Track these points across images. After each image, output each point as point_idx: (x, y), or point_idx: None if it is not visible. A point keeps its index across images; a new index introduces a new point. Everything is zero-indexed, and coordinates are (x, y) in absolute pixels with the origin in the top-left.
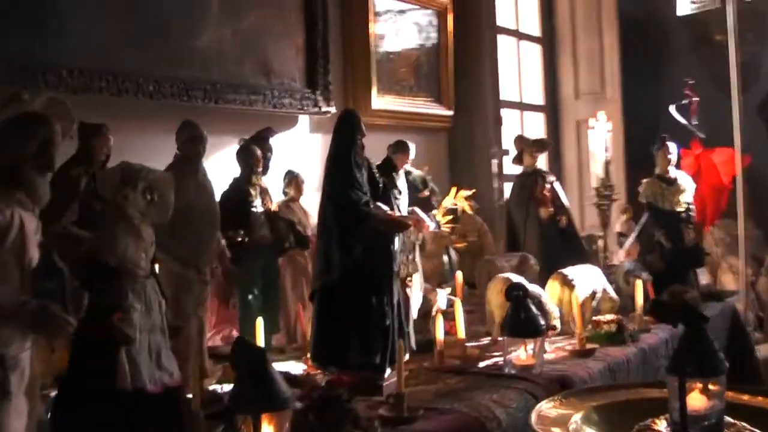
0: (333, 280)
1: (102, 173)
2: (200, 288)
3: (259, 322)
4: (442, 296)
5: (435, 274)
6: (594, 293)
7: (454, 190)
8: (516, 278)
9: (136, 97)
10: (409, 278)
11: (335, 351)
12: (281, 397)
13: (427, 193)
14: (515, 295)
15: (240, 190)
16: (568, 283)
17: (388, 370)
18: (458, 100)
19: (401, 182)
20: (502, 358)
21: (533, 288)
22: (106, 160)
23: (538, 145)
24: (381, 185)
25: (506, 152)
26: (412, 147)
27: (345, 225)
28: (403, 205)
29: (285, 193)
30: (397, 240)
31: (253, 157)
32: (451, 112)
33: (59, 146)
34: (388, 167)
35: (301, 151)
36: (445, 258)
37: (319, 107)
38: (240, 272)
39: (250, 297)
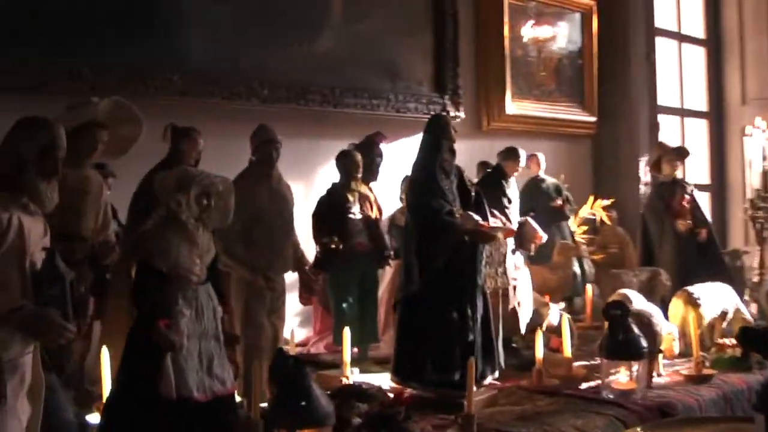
0: (413, 292)
1: (158, 177)
2: (272, 296)
3: (346, 332)
4: (554, 311)
5: (561, 287)
6: (725, 313)
7: (591, 199)
8: (634, 295)
9: (248, 100)
10: (502, 291)
11: (414, 366)
12: (318, 413)
13: (559, 202)
14: (612, 314)
15: (337, 196)
16: (692, 302)
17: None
18: (602, 106)
19: (512, 190)
20: None
21: (645, 307)
22: (195, 164)
23: (678, 153)
24: (474, 193)
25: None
26: (523, 154)
27: (426, 234)
28: (513, 213)
29: (401, 200)
30: (484, 251)
31: (352, 163)
32: (594, 118)
33: (63, 150)
34: (498, 175)
35: None
36: (577, 269)
37: (447, 112)
38: (317, 280)
39: (344, 305)
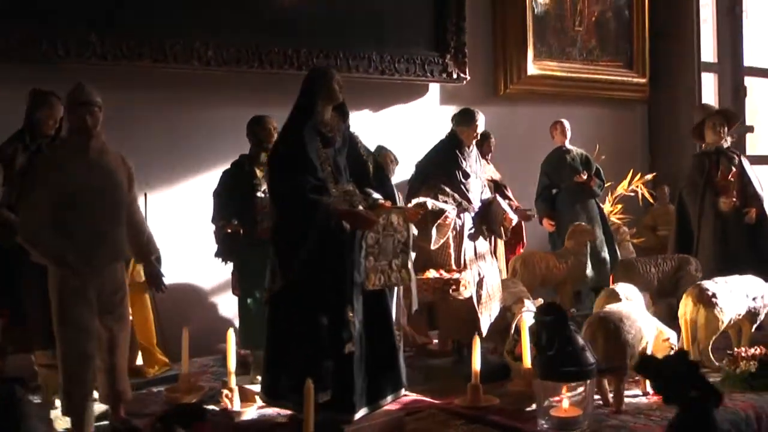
0: (277, 291)
1: None
2: (101, 292)
3: (230, 334)
4: (529, 309)
5: (571, 278)
6: (754, 315)
7: (630, 173)
8: (631, 291)
9: (188, 63)
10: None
11: (283, 383)
12: None
13: (584, 176)
14: (540, 321)
15: (243, 171)
16: (705, 300)
17: (362, 411)
18: (658, 66)
19: (471, 162)
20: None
21: (623, 307)
22: (56, 133)
23: (724, 117)
24: (372, 166)
25: (750, 129)
26: (481, 119)
27: (286, 219)
28: (474, 190)
29: None
30: (365, 239)
31: (264, 130)
32: (644, 80)
33: None
34: (452, 143)
35: (427, 124)
36: (606, 255)
37: (449, 74)
38: (160, 276)
39: (249, 301)
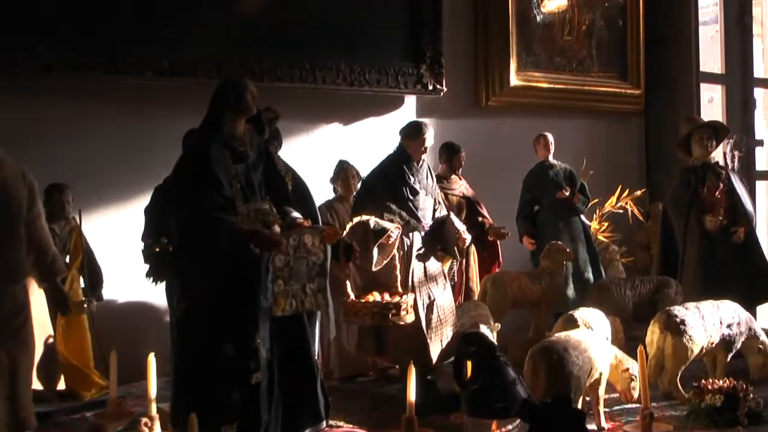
0: (181, 316)
1: None
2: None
3: (151, 359)
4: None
5: (546, 299)
6: (729, 344)
7: (618, 190)
8: (594, 316)
9: (141, 75)
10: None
11: (187, 416)
12: None
13: (566, 192)
14: (463, 351)
15: None
16: (673, 327)
17: None
18: (653, 77)
19: (421, 178)
20: None
21: (574, 335)
22: None
23: (713, 130)
24: (288, 182)
25: (760, 143)
26: (430, 133)
27: (186, 239)
28: (425, 207)
29: (334, 191)
30: (273, 262)
31: None
32: (638, 91)
33: None
34: (400, 158)
35: None
36: (590, 275)
37: (425, 85)
38: (65, 299)
39: None
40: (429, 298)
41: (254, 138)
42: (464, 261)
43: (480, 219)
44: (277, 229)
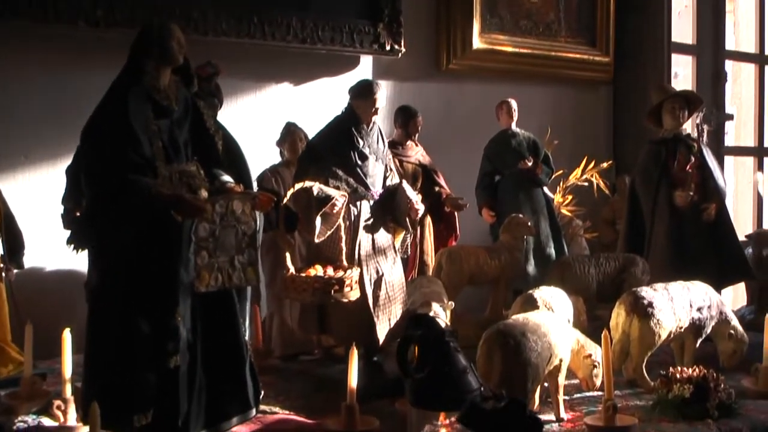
0: (95, 289)
1: None
2: None
3: (66, 335)
4: (439, 314)
5: (504, 275)
6: (698, 328)
7: (584, 161)
8: (555, 296)
9: (73, 24)
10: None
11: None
12: None
13: (529, 162)
14: (409, 335)
15: None
16: (639, 310)
17: None
18: (625, 44)
19: (372, 141)
20: None
21: (532, 318)
22: None
23: (685, 100)
24: (217, 142)
25: (730, 117)
26: (381, 93)
27: (96, 202)
28: (375, 174)
29: (281, 154)
30: (196, 231)
31: None
32: (607, 59)
33: None
34: (348, 121)
35: None
36: (552, 251)
37: (382, 45)
38: None
39: None
40: (377, 273)
41: (181, 91)
42: (419, 233)
43: (436, 188)
44: (204, 194)
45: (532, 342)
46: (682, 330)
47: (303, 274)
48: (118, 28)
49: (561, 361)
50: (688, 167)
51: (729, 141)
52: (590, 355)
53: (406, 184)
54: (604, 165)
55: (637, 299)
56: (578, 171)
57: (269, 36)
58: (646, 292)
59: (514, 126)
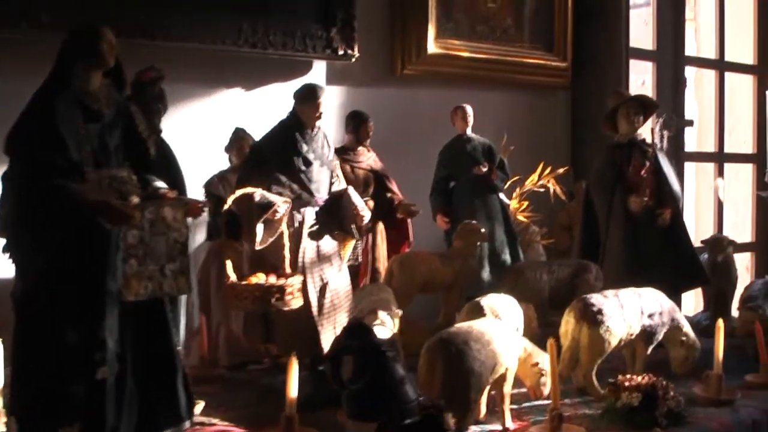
0: (20, 298)
1: None
2: None
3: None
4: (383, 321)
5: (457, 283)
6: (650, 335)
7: (540, 167)
8: (504, 304)
9: (16, 27)
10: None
11: (24, 412)
12: None
13: (484, 168)
14: (344, 346)
15: None
16: (590, 317)
17: None
18: (582, 49)
19: (317, 146)
20: None
21: (477, 326)
22: None
23: (640, 105)
24: (150, 147)
25: (689, 123)
26: (324, 96)
27: (19, 208)
28: (320, 179)
29: (229, 160)
30: (123, 238)
31: None
32: (564, 64)
33: None
34: (291, 125)
35: None
36: (507, 257)
37: (335, 50)
38: None
39: None
40: (321, 280)
41: (112, 95)
42: (370, 240)
43: (389, 195)
44: (135, 200)
45: (474, 351)
46: (633, 337)
47: (244, 282)
48: (63, 33)
49: (507, 369)
50: (643, 172)
51: (690, 147)
52: (537, 363)
53: (352, 190)
54: (561, 171)
55: (586, 306)
56: (534, 177)
57: (219, 41)
58: (596, 299)
59: (469, 131)
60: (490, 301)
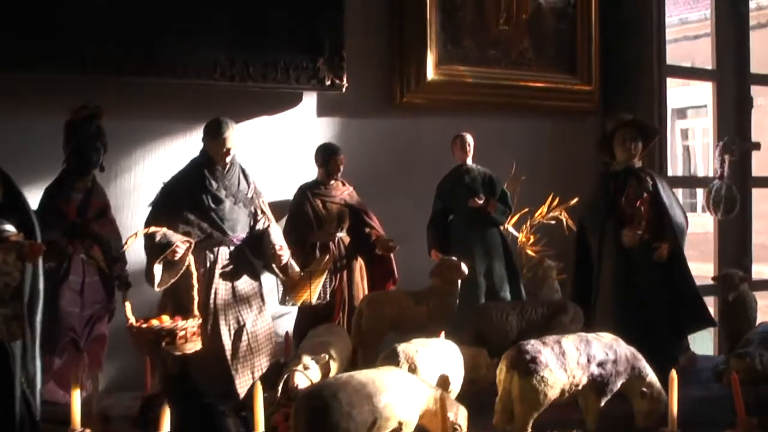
0: None
1: None
2: None
3: None
4: (308, 367)
5: (434, 324)
6: (602, 385)
7: (549, 198)
8: (419, 349)
9: None
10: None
11: None
12: None
13: (479, 200)
14: (153, 396)
15: None
16: (522, 366)
17: None
18: (612, 70)
19: (230, 183)
20: None
21: (363, 376)
22: None
23: (637, 130)
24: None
25: (756, 146)
26: (230, 131)
27: None
28: (233, 217)
29: None
30: None
31: None
32: (589, 87)
33: None
34: (201, 163)
35: (300, 139)
36: (507, 295)
37: (321, 80)
38: None
39: None
40: (238, 322)
41: None
42: (346, 278)
43: (367, 230)
44: None
45: (344, 404)
46: (580, 388)
47: (137, 325)
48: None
49: (402, 424)
50: (638, 203)
51: (759, 171)
52: (401, 423)
53: (273, 229)
54: (572, 202)
55: (519, 354)
56: (544, 208)
57: (193, 74)
58: (532, 345)
59: (469, 161)
60: (408, 347)
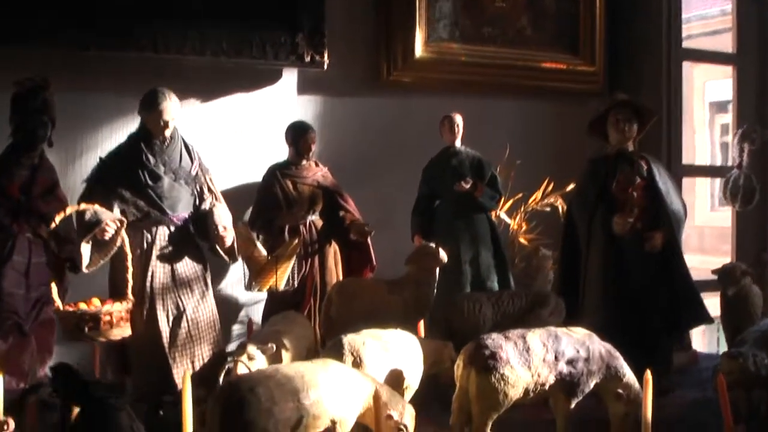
0: None
1: None
2: None
3: None
4: (252, 358)
5: (408, 314)
6: (572, 383)
7: (544, 184)
8: (366, 341)
9: None
10: None
11: None
12: None
13: (465, 185)
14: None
15: None
16: (480, 363)
17: None
18: (618, 50)
19: (171, 159)
20: None
21: (294, 367)
22: None
23: (633, 111)
24: None
25: None
26: (167, 102)
27: None
28: (173, 194)
29: None
30: None
31: None
32: (593, 68)
33: None
34: (138, 137)
35: (278, 117)
36: (495, 284)
37: (300, 56)
38: None
39: None
40: (177, 308)
41: None
42: (318, 263)
43: (341, 213)
44: None
45: (263, 399)
46: (546, 387)
47: (65, 309)
48: None
49: (336, 422)
50: (630, 188)
51: None
52: (392, 417)
53: (218, 209)
54: (568, 188)
55: (477, 348)
56: (538, 194)
57: (162, 49)
58: (493, 340)
59: (458, 143)
60: (355, 338)
